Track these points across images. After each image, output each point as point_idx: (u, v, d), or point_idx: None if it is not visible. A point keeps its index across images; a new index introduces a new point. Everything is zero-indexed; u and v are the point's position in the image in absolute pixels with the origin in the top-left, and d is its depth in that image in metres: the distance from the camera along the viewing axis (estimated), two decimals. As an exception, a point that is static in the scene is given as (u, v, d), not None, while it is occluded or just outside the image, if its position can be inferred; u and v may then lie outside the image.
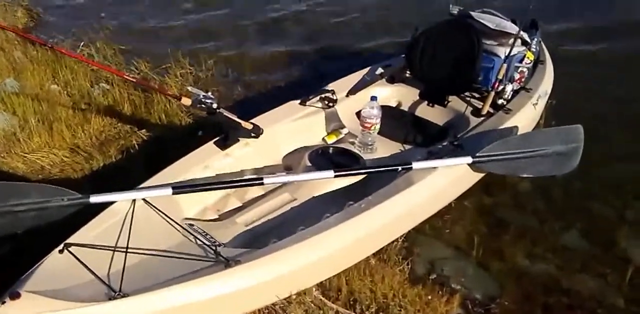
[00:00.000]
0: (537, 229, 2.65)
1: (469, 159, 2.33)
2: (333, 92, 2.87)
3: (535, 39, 3.10)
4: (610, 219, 2.72)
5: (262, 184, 2.09)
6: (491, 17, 2.96)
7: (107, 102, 3.47)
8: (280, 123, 2.68)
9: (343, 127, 2.87)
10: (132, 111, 3.43)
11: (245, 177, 2.21)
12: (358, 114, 2.95)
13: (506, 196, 2.84)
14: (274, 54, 4.53)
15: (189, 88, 2.30)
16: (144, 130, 3.21)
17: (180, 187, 2.01)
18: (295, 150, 2.74)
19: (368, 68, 3.21)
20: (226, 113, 2.34)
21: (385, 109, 2.96)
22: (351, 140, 2.79)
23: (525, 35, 2.95)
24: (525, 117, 2.88)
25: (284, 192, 2.39)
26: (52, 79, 3.73)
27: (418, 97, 3.05)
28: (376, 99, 2.58)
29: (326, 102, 2.85)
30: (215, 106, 2.27)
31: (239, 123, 2.41)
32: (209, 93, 2.31)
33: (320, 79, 3.30)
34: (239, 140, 2.48)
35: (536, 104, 2.97)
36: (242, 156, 2.50)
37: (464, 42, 2.79)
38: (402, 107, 3.10)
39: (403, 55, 3.14)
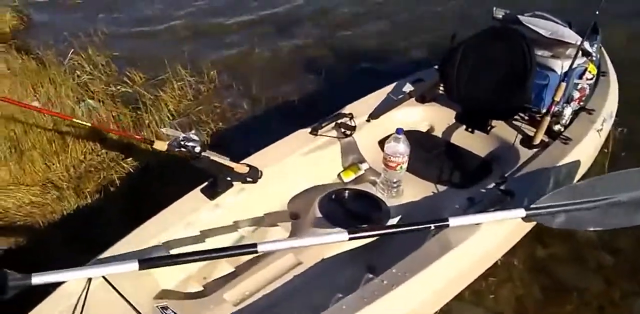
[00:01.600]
0: (604, 295, 2.13)
1: (522, 213, 1.84)
2: (351, 116, 2.38)
3: (596, 45, 2.54)
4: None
5: (255, 252, 1.64)
6: (545, 22, 2.42)
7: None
8: (286, 159, 2.20)
9: (363, 161, 2.37)
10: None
11: (235, 245, 1.75)
12: (382, 143, 2.47)
13: (564, 247, 2.31)
14: (286, 63, 3.98)
15: (164, 130, 1.84)
16: (130, 158, 2.76)
17: (149, 261, 1.57)
18: (305, 191, 2.27)
19: (394, 84, 2.69)
20: (214, 156, 1.86)
21: (414, 136, 2.49)
22: (372, 178, 2.30)
23: (587, 45, 2.39)
24: (588, 148, 2.37)
25: (287, 252, 1.91)
26: (32, 94, 3.28)
27: (454, 121, 2.54)
28: (402, 132, 2.07)
29: (342, 130, 2.36)
30: (198, 149, 1.80)
31: (231, 168, 1.93)
32: (192, 132, 1.83)
33: (337, 95, 2.79)
34: (232, 185, 2.01)
35: (600, 130, 2.44)
36: (236, 204, 2.03)
37: (512, 55, 2.27)
38: (434, 133, 2.60)
39: (436, 67, 2.63)
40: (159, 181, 2.57)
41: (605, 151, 2.62)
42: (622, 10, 3.77)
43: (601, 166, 2.58)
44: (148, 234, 1.83)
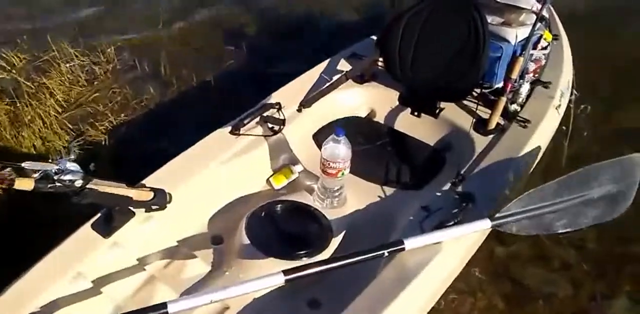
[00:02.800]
0: (573, 301, 1.98)
1: (487, 224, 1.61)
2: (279, 107, 2.01)
3: (546, 5, 2.26)
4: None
5: None
6: (494, -17, 2.12)
7: None
8: (203, 169, 1.81)
9: (296, 162, 2.01)
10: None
11: (136, 309, 1.35)
12: (317, 136, 2.13)
13: (524, 244, 2.12)
14: (200, 38, 3.44)
15: (26, 164, 1.35)
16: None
17: None
18: (228, 205, 1.89)
19: (326, 62, 2.33)
20: (103, 187, 1.42)
21: (353, 123, 2.20)
22: (308, 183, 1.96)
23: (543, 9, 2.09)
24: (548, 129, 2.16)
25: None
26: None
27: (398, 103, 2.23)
28: (343, 133, 1.71)
29: (269, 126, 1.98)
30: (79, 183, 1.34)
31: (129, 197, 1.50)
32: (68, 159, 1.36)
33: (260, 74, 2.38)
34: (133, 214, 1.59)
35: (559, 106, 2.24)
36: (140, 238, 1.62)
37: (462, 25, 1.97)
38: (375, 118, 2.28)
39: (373, 38, 2.33)
40: (37, 216, 2.05)
41: (564, 128, 2.40)
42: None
43: (559, 146, 2.39)
44: (26, 293, 1.41)
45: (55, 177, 1.32)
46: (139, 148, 2.44)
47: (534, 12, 2.02)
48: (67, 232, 1.54)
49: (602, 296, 1.99)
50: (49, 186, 1.32)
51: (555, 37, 2.45)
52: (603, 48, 3.13)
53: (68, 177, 1.33)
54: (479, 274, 2.02)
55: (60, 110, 2.68)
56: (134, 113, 2.74)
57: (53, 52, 3.02)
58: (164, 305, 1.28)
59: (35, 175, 1.32)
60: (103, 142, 2.52)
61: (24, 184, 1.29)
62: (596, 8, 3.56)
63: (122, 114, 2.71)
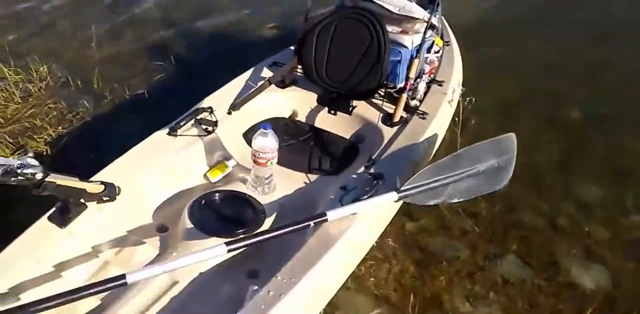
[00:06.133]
0: (471, 261, 2.26)
1: (394, 196, 1.86)
2: (211, 110, 2.21)
3: (437, 16, 2.62)
4: (543, 232, 2.41)
5: (125, 284, 1.46)
6: (392, -3, 2.40)
7: None
8: (145, 167, 1.99)
9: (229, 157, 2.23)
10: None
11: (100, 281, 1.52)
12: (246, 135, 2.36)
13: (429, 219, 2.41)
14: (129, 53, 3.58)
15: (-10, 159, 1.52)
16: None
17: None
18: (171, 199, 2.08)
19: (250, 71, 2.57)
20: (59, 180, 1.60)
21: (278, 123, 2.42)
22: (242, 175, 2.17)
23: (434, 19, 2.45)
24: (443, 120, 2.50)
25: (160, 275, 1.74)
26: None
27: (316, 103, 2.49)
28: (270, 127, 1.96)
29: (203, 127, 2.18)
30: (40, 176, 1.52)
31: (82, 189, 1.69)
32: (28, 156, 1.54)
33: (191, 85, 2.58)
34: (86, 207, 1.77)
35: (451, 100, 2.58)
36: (93, 227, 1.79)
37: (366, 34, 2.26)
38: (298, 118, 2.54)
39: (291, 48, 2.57)
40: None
41: (456, 119, 2.76)
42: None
43: (454, 134, 2.72)
44: None
45: (18, 171, 1.49)
46: (80, 156, 2.55)
47: (425, 21, 2.33)
48: (27, 224, 1.68)
49: (494, 255, 2.28)
50: (12, 179, 1.48)
51: (447, 43, 2.83)
52: (486, 51, 3.58)
53: (29, 170, 1.50)
54: (393, 243, 2.27)
55: (-3, 126, 2.77)
56: (72, 125, 2.84)
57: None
58: (123, 276, 1.45)
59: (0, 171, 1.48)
60: (44, 153, 2.63)
61: (-12, 178, 1.46)
62: (481, 19, 4.04)
63: (60, 127, 2.81)
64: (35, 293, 1.58)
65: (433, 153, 2.40)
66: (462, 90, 2.72)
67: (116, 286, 1.46)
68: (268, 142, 1.96)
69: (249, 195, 2.04)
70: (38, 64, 3.24)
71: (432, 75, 2.54)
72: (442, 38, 2.72)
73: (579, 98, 3.28)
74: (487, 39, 3.75)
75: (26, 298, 1.57)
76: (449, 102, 2.50)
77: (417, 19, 2.34)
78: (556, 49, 3.73)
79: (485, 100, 3.05)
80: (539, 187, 2.64)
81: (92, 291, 1.43)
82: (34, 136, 2.73)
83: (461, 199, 2.02)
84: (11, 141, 2.68)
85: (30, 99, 3.02)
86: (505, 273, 2.21)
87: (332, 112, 2.45)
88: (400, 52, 2.32)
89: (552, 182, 2.69)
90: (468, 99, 2.90)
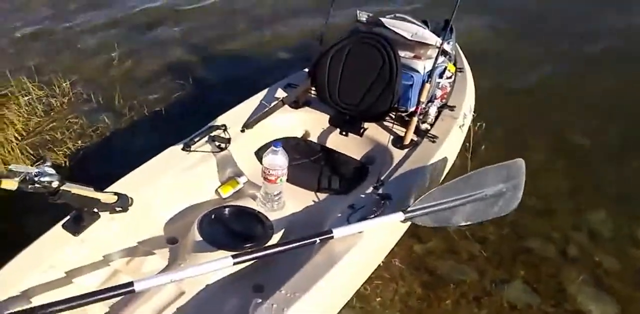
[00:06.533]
0: (478, 285, 2.25)
1: (400, 216, 1.89)
2: (224, 128, 2.27)
3: (452, 43, 2.68)
4: (553, 260, 2.39)
5: (132, 291, 1.50)
6: (406, 24, 2.46)
7: None
8: (158, 181, 2.04)
9: (241, 174, 2.29)
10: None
11: (108, 287, 1.56)
12: (258, 153, 2.41)
13: (438, 241, 2.42)
14: (148, 71, 3.69)
15: (12, 167, 1.58)
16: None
17: None
18: (182, 212, 2.13)
19: (265, 91, 2.63)
20: (75, 189, 1.66)
21: (290, 143, 2.47)
22: (252, 191, 2.22)
23: (446, 45, 2.50)
24: (453, 144, 2.52)
25: (167, 284, 1.78)
26: None
27: (329, 125, 2.54)
28: (280, 145, 2.01)
29: (217, 144, 2.24)
30: (55, 184, 1.58)
31: (97, 199, 1.74)
32: (46, 165, 1.60)
33: (206, 104, 2.66)
34: (99, 216, 1.82)
35: (462, 125, 2.60)
36: (105, 236, 1.84)
37: (379, 58, 2.31)
38: (310, 138, 2.58)
39: (306, 70, 2.62)
40: (16, 217, 2.26)
41: (467, 144, 2.78)
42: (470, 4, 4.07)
43: (464, 159, 2.75)
44: (3, 282, 1.59)
45: (36, 179, 1.55)
46: (97, 168, 2.63)
47: (437, 47, 2.37)
48: (42, 231, 1.74)
49: (501, 280, 2.26)
50: (29, 186, 1.55)
51: (460, 69, 2.88)
52: (499, 78, 3.61)
53: (46, 179, 1.57)
54: (400, 264, 2.28)
55: (20, 137, 2.86)
56: (91, 140, 2.94)
57: (11, 86, 3.20)
58: (131, 283, 1.49)
59: (17, 178, 1.55)
60: (63, 164, 2.72)
61: (8, 184, 1.51)
62: (495, 47, 4.08)
63: (79, 141, 2.90)
64: (47, 297, 1.62)
65: (443, 176, 2.43)
66: (473, 115, 2.75)
67: (124, 293, 1.49)
68: (278, 160, 1.99)
69: (258, 211, 2.07)
70: (61, 80, 3.36)
71: (443, 100, 2.57)
72: (455, 64, 2.77)
73: (591, 126, 3.28)
74: (500, 67, 3.79)
75: (37, 301, 1.61)
76: (459, 126, 2.53)
77: (430, 44, 2.39)
78: (568, 77, 3.75)
79: (496, 126, 3.08)
80: (549, 215, 2.63)
81: (101, 296, 1.47)
82: (54, 148, 2.82)
83: (468, 223, 2.03)
84: (32, 152, 2.77)
85: (52, 113, 3.14)
86: (512, 298, 2.20)
87: (344, 133, 2.49)
88: (412, 76, 2.37)
89: (563, 210, 2.67)
90: (478, 124, 2.93)
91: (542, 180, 2.71)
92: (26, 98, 3.16)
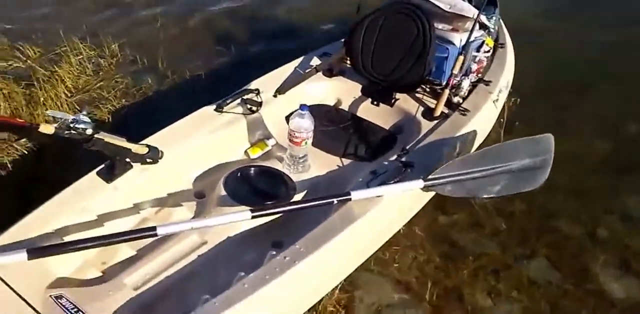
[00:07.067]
0: (499, 259, 2.26)
1: (420, 183, 1.90)
2: (258, 92, 2.33)
3: (494, 18, 2.63)
4: (579, 240, 2.36)
5: (155, 235, 1.60)
6: (444, -5, 2.44)
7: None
8: (190, 138, 2.14)
9: (270, 137, 2.35)
10: (10, 110, 2.76)
11: (132, 229, 1.68)
12: (289, 118, 2.45)
13: (463, 214, 2.42)
14: (193, 37, 3.79)
15: (49, 112, 1.70)
16: (23, 139, 2.56)
17: (39, 251, 1.51)
18: (211, 170, 2.22)
19: (301, 59, 2.66)
20: (108, 138, 1.76)
21: (321, 110, 2.51)
22: (280, 154, 2.29)
23: (484, 18, 2.47)
24: (485, 118, 2.48)
25: (192, 233, 1.88)
26: None
27: (360, 94, 2.56)
28: (307, 108, 2.06)
29: (248, 106, 2.31)
30: (90, 131, 1.69)
31: (128, 149, 1.85)
32: (82, 113, 1.71)
33: (244, 70, 2.72)
34: (131, 166, 1.93)
35: (497, 100, 2.56)
36: (136, 186, 1.96)
37: (413, 29, 2.30)
38: (341, 106, 2.62)
39: (343, 40, 2.61)
40: (55, 163, 2.41)
41: (502, 120, 2.74)
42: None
43: (497, 135, 2.72)
44: (40, 220, 1.72)
45: (71, 125, 1.66)
46: (136, 125, 2.67)
47: (475, 19, 2.34)
48: (79, 177, 1.87)
49: (523, 256, 2.26)
50: (66, 132, 1.66)
51: (502, 45, 2.82)
52: (540, 57, 3.49)
53: (81, 126, 1.68)
54: (422, 233, 2.31)
55: (69, 94, 3.03)
56: (134, 99, 3.07)
57: (64, 46, 3.37)
58: (153, 228, 1.60)
59: (55, 124, 1.66)
60: (106, 121, 2.87)
61: (46, 129, 1.63)
62: (541, 24, 3.97)
63: (123, 100, 3.04)
64: (77, 236, 1.74)
65: (472, 150, 2.42)
66: (510, 91, 2.70)
67: (147, 236, 1.60)
68: (304, 123, 2.05)
69: (282, 172, 2.14)
70: (111, 42, 3.49)
71: (479, 75, 2.54)
72: (497, 40, 2.73)
73: (632, 110, 3.17)
74: (544, 45, 3.67)
75: (68, 238, 1.74)
76: (494, 101, 2.49)
77: (468, 17, 2.36)
78: (614, 60, 3.60)
79: (534, 103, 3.03)
80: (580, 196, 2.58)
81: (126, 237, 1.59)
82: (99, 106, 2.97)
83: (492, 195, 2.02)
84: (79, 108, 2.92)
85: (101, 73, 3.28)
86: (532, 274, 2.20)
87: (375, 103, 2.51)
88: (447, 49, 2.36)
89: (595, 192, 2.62)
90: (513, 99, 2.88)
91: (576, 160, 2.66)
92: (78, 58, 3.31)
